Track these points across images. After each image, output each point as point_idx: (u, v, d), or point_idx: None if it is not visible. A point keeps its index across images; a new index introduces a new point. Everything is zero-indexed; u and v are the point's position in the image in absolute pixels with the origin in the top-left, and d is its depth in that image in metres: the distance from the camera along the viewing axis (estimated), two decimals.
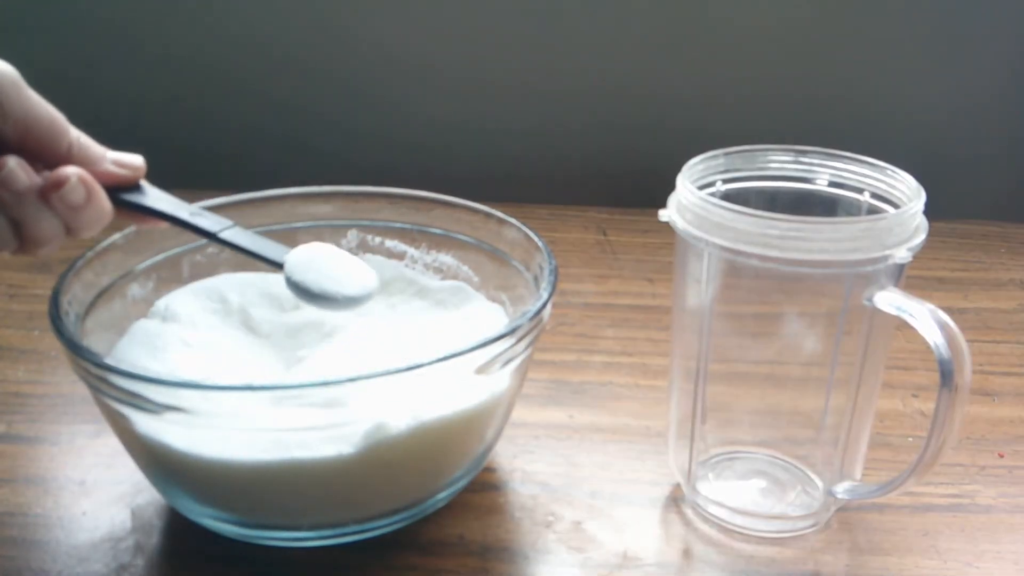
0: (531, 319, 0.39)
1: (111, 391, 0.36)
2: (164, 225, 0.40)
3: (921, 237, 0.37)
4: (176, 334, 0.46)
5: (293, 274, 0.41)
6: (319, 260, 0.41)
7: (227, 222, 0.42)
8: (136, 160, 0.39)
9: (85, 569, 0.40)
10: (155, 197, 0.40)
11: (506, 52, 0.80)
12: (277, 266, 0.41)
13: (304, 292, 0.40)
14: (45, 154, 0.36)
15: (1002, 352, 0.59)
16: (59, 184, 0.35)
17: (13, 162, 0.35)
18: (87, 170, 0.37)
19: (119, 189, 0.39)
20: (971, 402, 0.52)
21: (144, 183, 0.40)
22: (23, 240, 0.36)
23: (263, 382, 0.35)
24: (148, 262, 0.49)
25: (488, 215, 0.50)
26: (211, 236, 0.41)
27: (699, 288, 0.40)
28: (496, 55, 0.80)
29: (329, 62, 0.81)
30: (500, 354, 0.38)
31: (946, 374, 0.35)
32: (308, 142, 0.83)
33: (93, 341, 0.42)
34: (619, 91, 0.80)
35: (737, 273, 0.39)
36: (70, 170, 0.36)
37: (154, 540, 0.42)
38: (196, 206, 0.42)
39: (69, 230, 0.37)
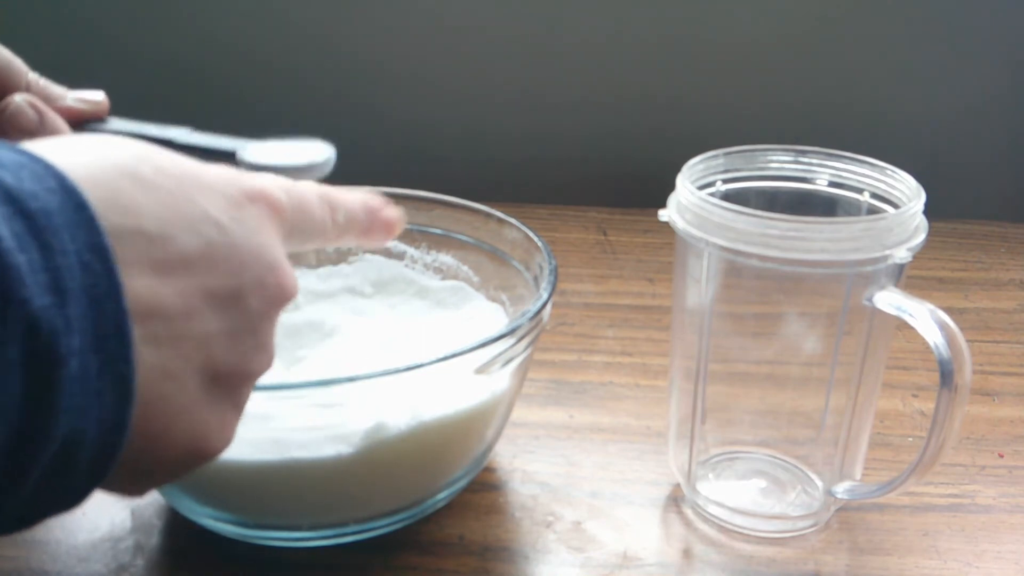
0: (531, 319, 0.39)
1: None
2: None
3: (921, 237, 0.37)
4: None
5: (246, 157, 0.40)
6: (272, 144, 0.42)
7: (186, 129, 0.42)
8: (97, 95, 0.40)
9: (85, 569, 0.40)
10: (118, 124, 0.40)
11: (507, 52, 0.79)
12: (230, 156, 0.41)
13: (259, 169, 0.40)
14: (2, 95, 0.36)
15: (1002, 352, 0.59)
16: (7, 107, 0.36)
17: None
18: (49, 106, 0.37)
19: (84, 124, 0.39)
20: (971, 402, 0.51)
21: (110, 118, 0.41)
22: None
23: (263, 382, 0.35)
24: None
25: (488, 215, 0.50)
26: (169, 144, 0.41)
27: (699, 288, 0.40)
28: (497, 56, 0.80)
29: (330, 64, 0.81)
30: (500, 354, 0.38)
31: (946, 374, 0.35)
32: None
33: None
34: (619, 92, 0.80)
35: (737, 273, 0.39)
36: (18, 95, 0.36)
37: (154, 540, 0.42)
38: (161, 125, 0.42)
39: None
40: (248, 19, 0.79)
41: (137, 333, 0.22)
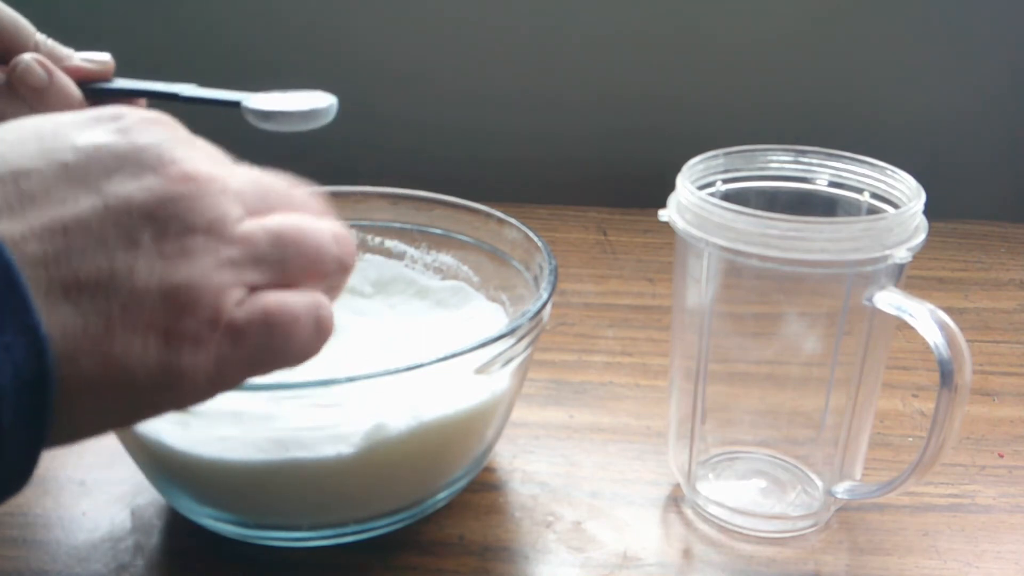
0: (531, 319, 0.39)
1: None
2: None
3: (921, 237, 0.37)
4: None
5: (250, 105, 0.41)
6: (276, 94, 0.42)
7: (192, 85, 0.43)
8: (104, 56, 0.41)
9: (85, 569, 0.40)
10: (123, 83, 0.41)
11: (507, 52, 0.79)
12: (234, 104, 0.42)
13: (263, 115, 0.41)
14: (11, 55, 0.37)
15: (1002, 352, 0.59)
16: (16, 66, 0.37)
17: None
18: (57, 66, 0.38)
19: (90, 83, 0.40)
20: (971, 402, 0.51)
21: (115, 79, 0.41)
22: None
23: (263, 382, 0.35)
24: None
25: (488, 215, 0.50)
26: (174, 97, 0.42)
27: (699, 288, 0.40)
28: (497, 55, 0.80)
29: (330, 64, 0.81)
30: (500, 354, 0.38)
31: (946, 374, 0.35)
32: (309, 144, 0.83)
33: None
34: (619, 92, 0.80)
35: (737, 273, 0.39)
36: (27, 55, 0.37)
37: (154, 540, 0.42)
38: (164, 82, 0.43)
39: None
40: (249, 19, 0.79)
41: (37, 276, 0.21)
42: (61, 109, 0.38)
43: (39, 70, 0.37)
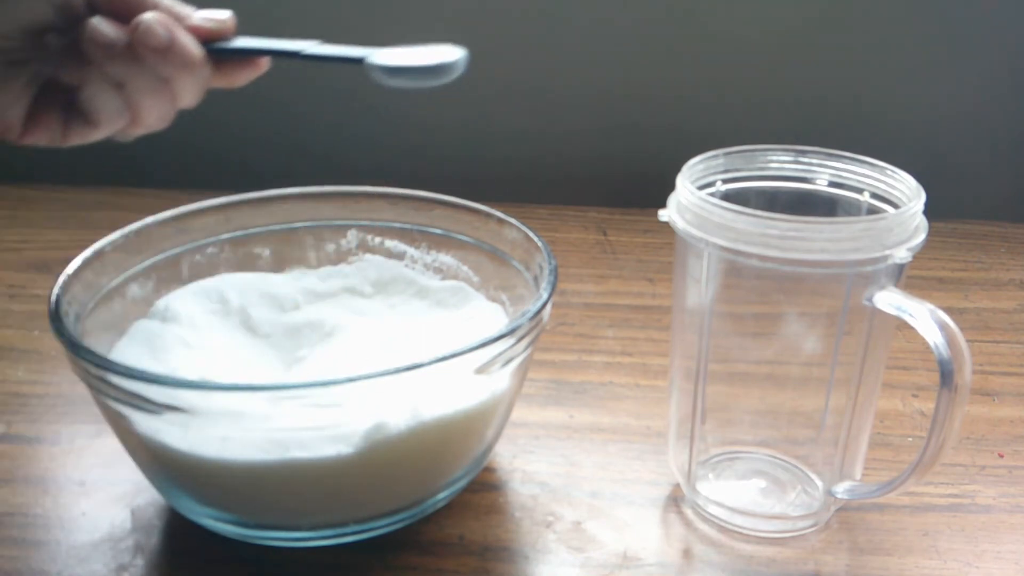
0: (531, 319, 0.39)
1: (111, 391, 0.36)
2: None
3: (921, 237, 0.37)
4: (176, 334, 0.46)
5: (376, 60, 0.39)
6: (402, 50, 0.40)
7: (315, 42, 0.42)
8: (224, 14, 0.40)
9: (85, 569, 0.40)
10: (243, 42, 0.40)
11: (507, 51, 0.79)
12: (358, 61, 0.40)
13: (391, 71, 0.39)
14: (133, 14, 0.37)
15: (1002, 352, 0.59)
16: (138, 26, 0.36)
17: (96, 19, 0.36)
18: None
19: (210, 42, 0.39)
20: (971, 402, 0.51)
21: (236, 37, 0.41)
22: (131, 109, 0.38)
23: (263, 382, 0.35)
24: (148, 262, 0.49)
25: (488, 215, 0.50)
26: (295, 55, 0.41)
27: (699, 288, 0.40)
28: (497, 56, 0.80)
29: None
30: (500, 354, 0.38)
31: (946, 374, 0.35)
32: (309, 143, 0.83)
33: (93, 341, 0.42)
34: (619, 91, 0.80)
35: (737, 273, 0.39)
36: (148, 14, 0.37)
37: (154, 540, 0.42)
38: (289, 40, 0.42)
39: (168, 86, 0.38)
40: (249, 19, 0.79)
41: None
42: (182, 70, 0.37)
43: (161, 30, 0.36)
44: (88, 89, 0.38)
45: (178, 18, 0.38)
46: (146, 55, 0.36)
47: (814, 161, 0.43)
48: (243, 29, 0.41)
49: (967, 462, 0.48)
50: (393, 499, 0.40)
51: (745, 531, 0.43)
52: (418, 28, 0.79)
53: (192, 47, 0.37)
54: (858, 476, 0.42)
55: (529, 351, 0.41)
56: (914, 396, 0.54)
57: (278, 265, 0.53)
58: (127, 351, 0.45)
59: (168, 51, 0.37)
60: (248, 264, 0.53)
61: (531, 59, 0.80)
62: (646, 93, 0.80)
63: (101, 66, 0.37)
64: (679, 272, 0.42)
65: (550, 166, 0.83)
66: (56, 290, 0.41)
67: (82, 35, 0.36)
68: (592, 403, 0.53)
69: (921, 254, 0.37)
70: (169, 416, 0.36)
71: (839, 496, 0.42)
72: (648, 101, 0.81)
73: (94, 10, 0.37)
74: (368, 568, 0.40)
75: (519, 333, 0.39)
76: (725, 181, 0.43)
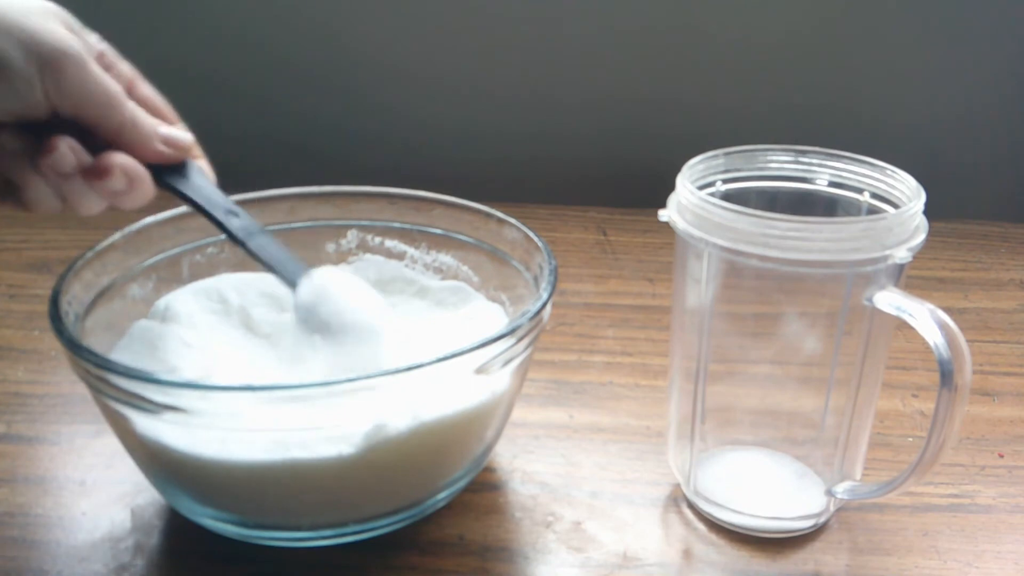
0: (531, 319, 0.39)
1: (111, 391, 0.36)
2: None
3: (921, 237, 0.37)
4: (176, 334, 0.46)
5: (302, 299, 0.42)
6: (332, 290, 0.43)
7: (256, 227, 0.43)
8: (184, 140, 0.40)
9: (85, 569, 0.40)
10: (195, 185, 0.41)
11: (507, 52, 0.80)
12: (290, 285, 0.43)
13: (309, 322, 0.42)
14: (99, 130, 0.37)
15: (1002, 352, 0.59)
16: (103, 174, 0.37)
17: (64, 146, 0.36)
18: (135, 150, 0.38)
19: (165, 168, 0.40)
20: (971, 402, 0.52)
21: (190, 163, 0.41)
22: (67, 206, 0.39)
23: (263, 382, 0.35)
24: (148, 262, 0.49)
25: (488, 215, 0.50)
26: (238, 242, 0.42)
27: (699, 288, 0.40)
28: (497, 55, 0.80)
29: (330, 64, 0.81)
30: (500, 354, 0.38)
31: (946, 374, 0.35)
32: (309, 144, 0.83)
33: (93, 341, 0.42)
34: (619, 92, 0.80)
35: (737, 273, 0.39)
36: (116, 160, 0.37)
37: (154, 540, 0.42)
38: (233, 201, 0.43)
39: (112, 205, 0.39)
40: (250, 18, 0.79)
41: None
42: (131, 205, 0.38)
43: (123, 180, 0.37)
44: (29, 188, 0.38)
45: (140, 141, 0.38)
46: (103, 193, 0.38)
47: (814, 161, 0.43)
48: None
49: (967, 462, 0.48)
50: (393, 499, 0.40)
51: (745, 531, 0.43)
52: (419, 28, 0.79)
53: (147, 191, 0.38)
54: (858, 476, 0.42)
55: (529, 351, 0.41)
56: (914, 396, 0.54)
57: None
58: (127, 351, 0.45)
59: (123, 195, 0.38)
60: (248, 264, 0.52)
61: (532, 60, 0.80)
62: (646, 93, 0.80)
63: (52, 182, 0.37)
64: (679, 272, 0.42)
65: (550, 166, 0.83)
66: (56, 290, 0.41)
67: (44, 154, 0.36)
68: (592, 403, 0.53)
69: (921, 254, 0.37)
70: (169, 416, 0.36)
71: (839, 496, 0.42)
72: (648, 102, 0.81)
73: (57, 116, 0.36)
74: (368, 568, 0.40)
75: (519, 333, 0.39)
76: (725, 181, 0.43)
